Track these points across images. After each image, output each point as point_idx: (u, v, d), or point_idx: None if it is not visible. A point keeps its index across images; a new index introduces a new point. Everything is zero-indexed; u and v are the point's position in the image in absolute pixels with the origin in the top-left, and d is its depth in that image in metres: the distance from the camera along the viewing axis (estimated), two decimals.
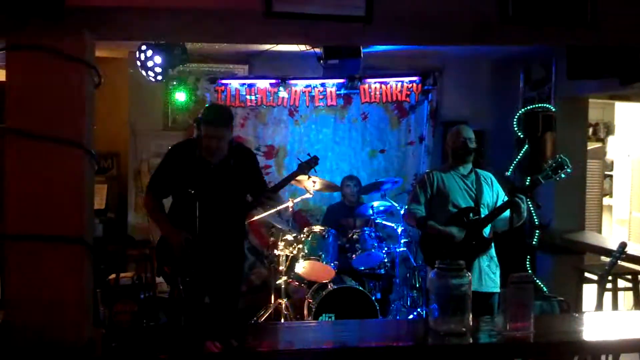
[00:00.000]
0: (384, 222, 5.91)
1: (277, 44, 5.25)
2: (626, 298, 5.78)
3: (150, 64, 5.34)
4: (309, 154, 4.39)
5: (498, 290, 4.13)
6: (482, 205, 4.15)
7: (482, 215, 4.12)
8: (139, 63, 5.36)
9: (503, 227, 4.17)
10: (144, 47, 5.32)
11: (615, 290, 5.16)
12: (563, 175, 4.01)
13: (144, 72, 5.42)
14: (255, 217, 5.40)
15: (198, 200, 3.69)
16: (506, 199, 4.14)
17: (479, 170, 4.29)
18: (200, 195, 3.76)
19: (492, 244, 4.22)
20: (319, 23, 2.86)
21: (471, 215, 4.11)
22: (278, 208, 5.39)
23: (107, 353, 2.65)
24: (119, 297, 5.45)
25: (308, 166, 4.33)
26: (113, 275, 5.59)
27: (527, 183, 4.03)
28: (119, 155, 6.91)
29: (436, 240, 4.11)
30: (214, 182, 3.90)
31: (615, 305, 5.14)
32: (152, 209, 4.05)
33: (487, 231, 4.15)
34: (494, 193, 4.23)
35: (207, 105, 4.74)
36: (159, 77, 5.45)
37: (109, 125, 6.04)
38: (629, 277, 5.15)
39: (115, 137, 6.61)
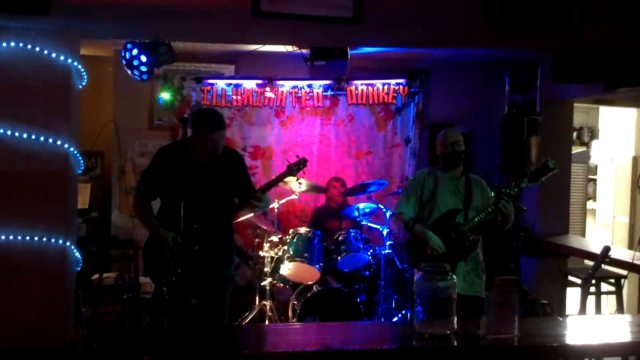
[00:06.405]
0: (369, 224, 5.90)
1: (264, 44, 5.23)
2: (609, 302, 5.83)
3: (135, 62, 5.29)
4: (297, 156, 4.37)
5: (483, 295, 4.12)
6: (470, 208, 4.15)
7: (469, 217, 4.11)
8: (124, 62, 5.30)
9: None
10: (129, 46, 5.27)
11: (598, 294, 5.19)
12: (548, 176, 4.02)
13: (129, 71, 5.37)
14: (241, 218, 5.38)
15: (185, 201, 3.68)
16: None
17: (470, 175, 4.30)
18: (188, 196, 3.75)
19: (479, 249, 4.21)
20: (306, 23, 2.86)
21: (457, 218, 4.12)
22: (265, 210, 5.36)
23: (89, 354, 2.62)
24: (102, 297, 5.40)
25: (297, 168, 4.32)
26: (96, 276, 5.54)
27: (513, 186, 4.02)
28: (103, 155, 6.84)
29: (423, 243, 4.10)
30: (201, 183, 3.90)
31: (598, 309, 5.17)
32: (140, 212, 4.04)
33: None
34: (484, 197, 4.23)
35: (193, 113, 4.62)
36: (145, 76, 5.40)
37: (94, 124, 5.97)
38: (612, 281, 5.18)
39: (99, 136, 6.54)
